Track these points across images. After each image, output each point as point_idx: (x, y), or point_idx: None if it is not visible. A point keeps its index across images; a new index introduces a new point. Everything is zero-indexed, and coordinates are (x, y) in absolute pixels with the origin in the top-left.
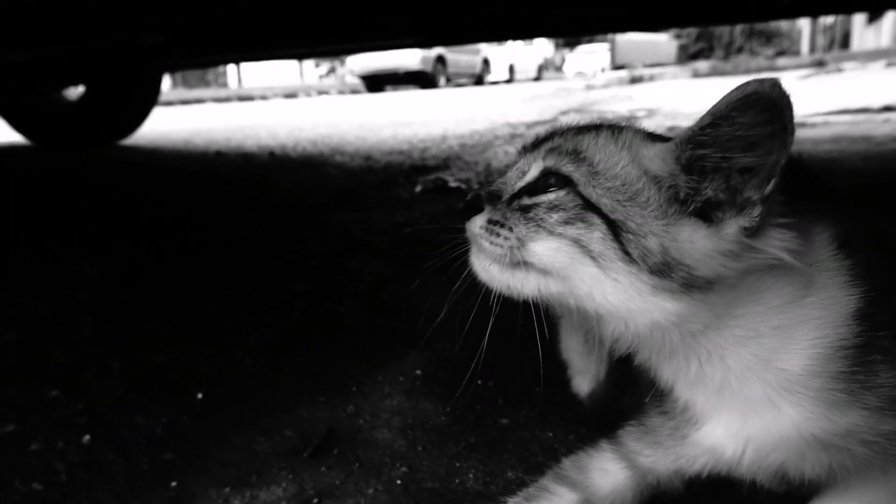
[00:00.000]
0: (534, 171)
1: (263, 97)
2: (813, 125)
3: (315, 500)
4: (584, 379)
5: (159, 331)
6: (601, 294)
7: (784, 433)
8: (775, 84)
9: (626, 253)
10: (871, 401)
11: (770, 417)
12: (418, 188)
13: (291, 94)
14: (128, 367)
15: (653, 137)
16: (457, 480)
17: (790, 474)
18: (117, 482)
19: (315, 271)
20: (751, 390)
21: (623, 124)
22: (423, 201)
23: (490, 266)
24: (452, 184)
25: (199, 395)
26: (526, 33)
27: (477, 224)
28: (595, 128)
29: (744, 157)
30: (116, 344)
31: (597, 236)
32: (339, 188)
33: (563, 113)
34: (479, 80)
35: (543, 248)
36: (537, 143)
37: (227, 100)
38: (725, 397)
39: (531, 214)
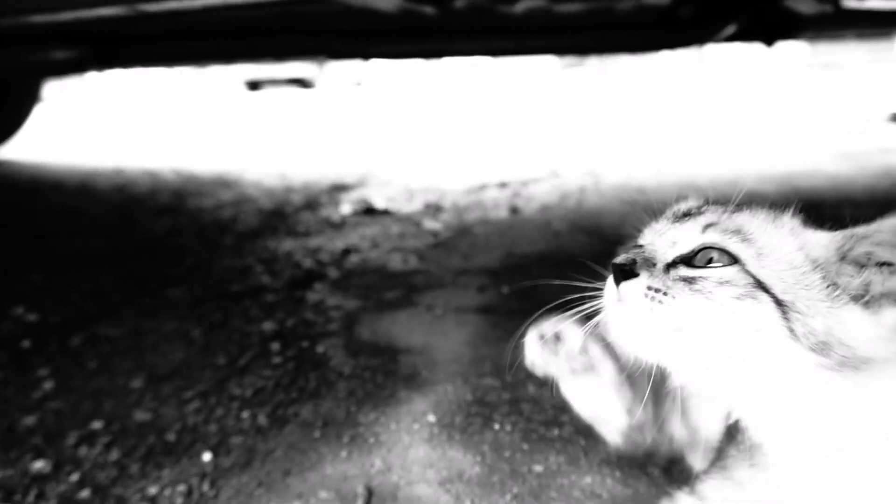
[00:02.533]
0: (690, 243)
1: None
2: None
3: None
4: (611, 427)
5: (132, 384)
6: (758, 367)
7: (881, 494)
8: None
9: (791, 331)
10: None
11: (874, 483)
12: (346, 208)
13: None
14: (113, 429)
15: (805, 222)
16: None
17: None
18: None
19: (276, 307)
20: (860, 457)
21: (778, 210)
22: (357, 224)
23: (640, 331)
24: (379, 204)
25: (208, 457)
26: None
27: (634, 289)
28: (748, 209)
29: None
30: (88, 401)
31: (766, 314)
32: (266, 210)
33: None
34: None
35: (710, 321)
36: (684, 216)
37: None
38: (833, 461)
39: (697, 287)
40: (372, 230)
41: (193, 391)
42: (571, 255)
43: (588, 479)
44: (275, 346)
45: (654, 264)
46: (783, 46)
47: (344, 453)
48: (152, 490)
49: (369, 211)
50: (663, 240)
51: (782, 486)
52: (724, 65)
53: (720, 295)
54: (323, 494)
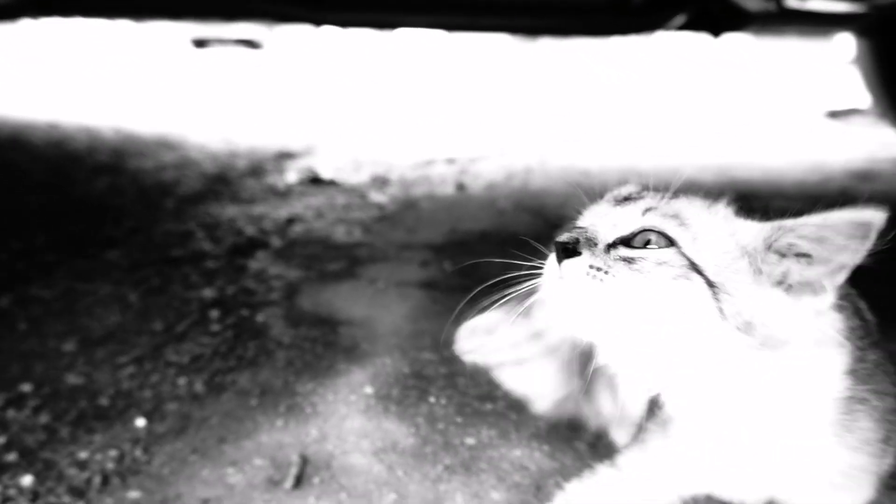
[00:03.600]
0: (630, 225)
1: None
2: None
3: None
4: (543, 401)
5: (64, 347)
6: (688, 343)
7: (786, 469)
8: (882, 216)
9: (720, 310)
10: (852, 441)
11: (778, 455)
12: (292, 176)
13: None
14: (43, 392)
15: (738, 212)
16: None
17: (777, 500)
18: None
19: (217, 274)
20: (767, 431)
21: (713, 199)
22: (303, 193)
23: (579, 307)
24: (325, 174)
25: (142, 423)
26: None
27: (575, 267)
28: (685, 195)
29: (828, 255)
30: (17, 363)
31: (697, 294)
32: (209, 174)
33: None
34: None
35: (647, 299)
36: (628, 198)
37: None
38: (743, 435)
39: (636, 266)
40: (317, 200)
41: (128, 356)
42: (514, 234)
43: (517, 452)
44: (214, 313)
45: (596, 244)
46: (733, 39)
47: (280, 422)
48: (82, 454)
49: (315, 180)
50: (605, 221)
51: (695, 457)
52: (675, 54)
53: (658, 275)
54: (257, 462)
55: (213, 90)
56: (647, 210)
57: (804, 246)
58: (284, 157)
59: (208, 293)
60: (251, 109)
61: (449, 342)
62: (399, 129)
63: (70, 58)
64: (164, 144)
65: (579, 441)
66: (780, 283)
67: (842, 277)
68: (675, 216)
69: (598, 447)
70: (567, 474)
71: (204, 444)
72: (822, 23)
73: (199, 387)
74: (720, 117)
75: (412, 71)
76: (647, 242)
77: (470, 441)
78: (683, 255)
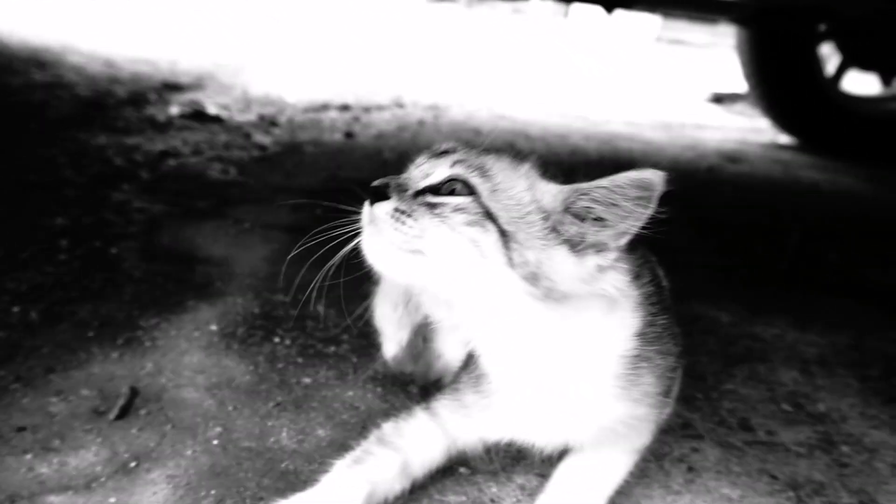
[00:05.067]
0: (439, 175)
1: None
2: None
3: (133, 464)
4: (391, 344)
5: None
6: (480, 288)
7: (579, 418)
8: (662, 176)
9: (510, 258)
10: (635, 395)
11: (571, 404)
12: (174, 110)
13: None
14: None
15: (546, 174)
16: (272, 439)
17: (569, 444)
18: None
19: (75, 203)
20: (561, 383)
21: (520, 158)
22: (183, 128)
23: (386, 248)
24: (211, 110)
25: None
26: None
27: (383, 210)
28: (497, 152)
29: (615, 217)
30: None
31: (490, 240)
32: (84, 99)
33: None
34: None
35: (444, 241)
36: (442, 153)
37: None
38: (540, 386)
39: (437, 211)
40: (197, 136)
41: None
42: None
43: (350, 393)
44: (63, 242)
45: (406, 190)
46: (638, 19)
47: (116, 354)
48: None
49: (199, 115)
50: (419, 171)
51: (497, 406)
52: (581, 30)
53: (454, 220)
54: (84, 392)
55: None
56: (456, 162)
57: (598, 210)
58: (170, 88)
59: (60, 221)
60: (139, 32)
61: (304, 286)
62: (300, 72)
63: None
64: (37, 62)
65: (413, 385)
66: (576, 243)
67: (626, 239)
68: (480, 168)
69: (431, 391)
70: (393, 414)
71: (30, 373)
72: (705, 8)
73: (34, 315)
74: (613, 92)
75: (324, 20)
76: (453, 191)
77: (306, 381)
78: (481, 203)
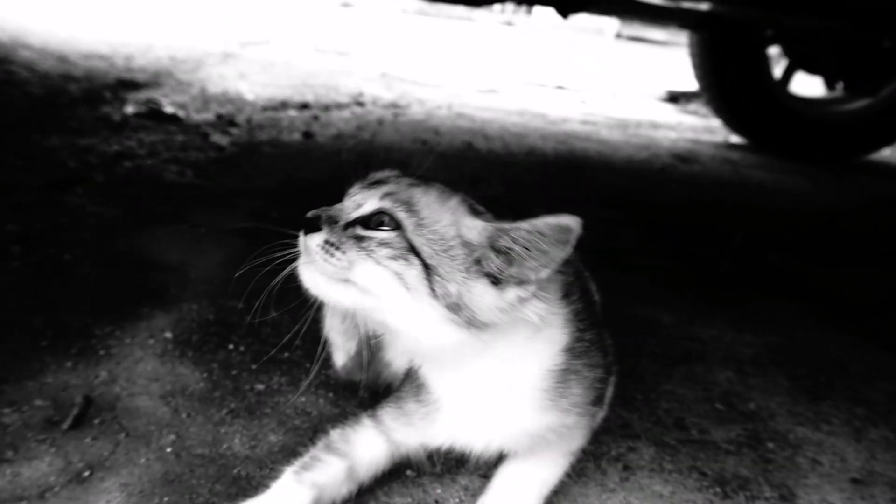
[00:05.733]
0: (369, 207)
1: None
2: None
3: (87, 473)
4: (341, 354)
5: None
6: (405, 317)
7: (510, 427)
8: (579, 221)
9: (433, 290)
10: (564, 405)
11: (503, 415)
12: (130, 109)
13: None
14: None
15: (474, 210)
16: (225, 445)
17: (503, 451)
18: None
19: (27, 208)
20: (493, 396)
21: (452, 190)
22: (139, 128)
23: (318, 277)
24: (168, 109)
25: None
26: None
27: (315, 241)
28: (426, 184)
29: (534, 256)
30: None
31: (413, 273)
32: (36, 97)
33: None
34: None
35: (369, 274)
36: (375, 183)
37: None
38: (474, 398)
39: (364, 244)
40: (154, 137)
41: None
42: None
43: (303, 399)
44: (16, 249)
45: (337, 222)
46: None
47: (69, 363)
48: None
49: (156, 115)
50: (352, 202)
51: (436, 415)
52: (551, 31)
53: (379, 253)
54: (38, 402)
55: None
56: (386, 194)
57: (518, 249)
58: (126, 86)
59: (12, 227)
60: (96, 23)
61: (258, 291)
62: (261, 67)
63: None
64: None
65: (365, 390)
66: (496, 275)
67: (546, 273)
68: (407, 202)
69: (380, 398)
70: (342, 419)
71: None
72: (657, 14)
73: None
74: (572, 89)
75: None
76: (382, 223)
77: (260, 387)
78: (406, 237)
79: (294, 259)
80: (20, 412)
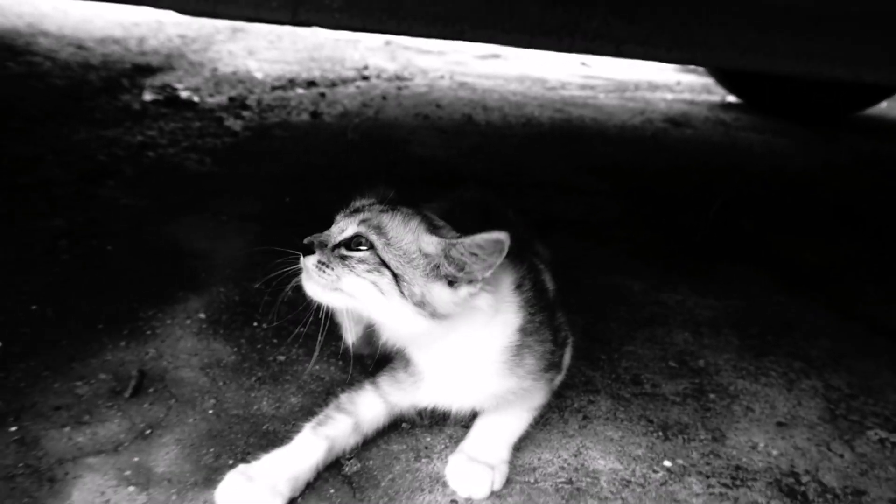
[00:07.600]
0: (349, 232)
1: None
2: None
3: (148, 432)
4: (350, 335)
5: None
6: (384, 314)
7: (478, 390)
8: (508, 235)
9: (402, 293)
10: (520, 372)
11: (471, 382)
12: (147, 96)
13: None
14: None
15: (433, 226)
16: (255, 407)
17: (476, 409)
18: None
19: (65, 202)
20: (461, 367)
21: (414, 213)
22: (158, 116)
23: (316, 288)
24: (183, 94)
25: None
26: None
27: (311, 262)
28: (393, 210)
29: (479, 259)
30: None
31: (385, 281)
32: (60, 89)
33: None
34: None
35: (353, 284)
36: (354, 211)
37: None
38: (446, 370)
39: (347, 262)
40: (172, 124)
41: None
42: (354, 172)
43: (317, 367)
44: (63, 243)
45: (327, 245)
46: None
47: (123, 343)
48: None
49: (172, 101)
50: (337, 228)
51: (422, 383)
52: None
53: (359, 268)
54: (102, 376)
55: None
56: (362, 221)
57: (465, 258)
58: (142, 71)
59: (58, 222)
60: (104, 11)
61: (272, 272)
62: (269, 41)
63: None
64: (10, 49)
65: (368, 359)
66: (451, 277)
67: (489, 273)
68: (378, 227)
69: (382, 364)
70: (350, 388)
71: (56, 363)
72: None
73: (49, 313)
74: (563, 59)
75: None
76: (360, 244)
77: (281, 358)
78: (377, 254)
79: (299, 273)
80: (89, 384)
